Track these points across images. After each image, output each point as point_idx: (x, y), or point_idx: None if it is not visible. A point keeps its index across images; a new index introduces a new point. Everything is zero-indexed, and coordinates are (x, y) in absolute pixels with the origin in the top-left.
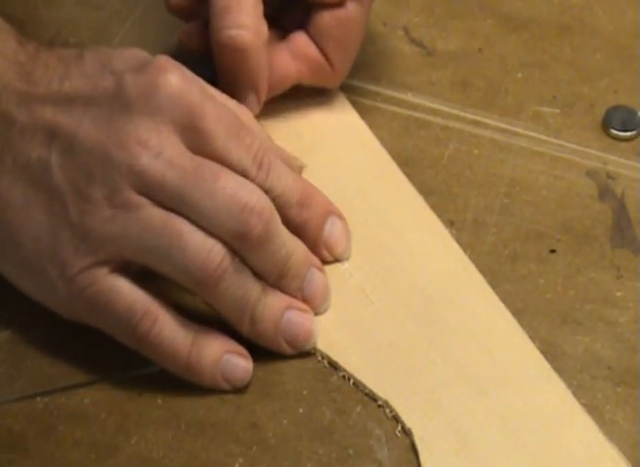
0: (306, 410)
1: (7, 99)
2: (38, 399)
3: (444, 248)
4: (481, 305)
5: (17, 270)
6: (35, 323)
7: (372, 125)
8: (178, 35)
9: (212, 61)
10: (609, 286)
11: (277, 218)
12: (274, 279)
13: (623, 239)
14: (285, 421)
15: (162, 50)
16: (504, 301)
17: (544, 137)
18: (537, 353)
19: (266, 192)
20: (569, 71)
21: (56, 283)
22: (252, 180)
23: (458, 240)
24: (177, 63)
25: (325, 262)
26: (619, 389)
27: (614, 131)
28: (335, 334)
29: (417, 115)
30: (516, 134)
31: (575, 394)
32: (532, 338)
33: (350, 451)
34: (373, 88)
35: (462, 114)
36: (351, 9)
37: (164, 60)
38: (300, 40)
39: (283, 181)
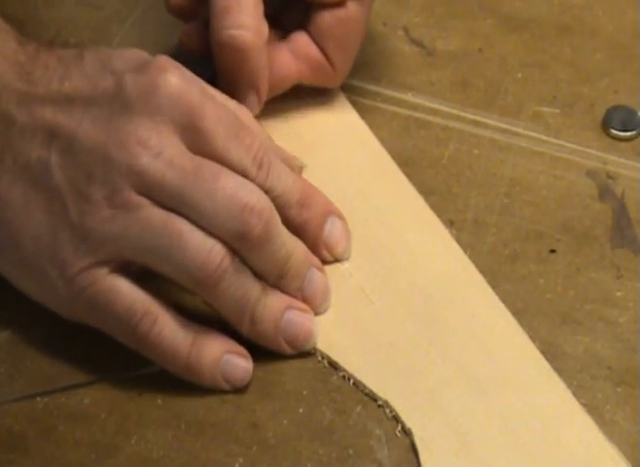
0: (306, 410)
1: (7, 99)
2: (38, 399)
3: (444, 248)
4: (481, 305)
5: (17, 270)
6: (35, 323)
7: (372, 126)
8: (178, 35)
9: (212, 61)
10: (609, 286)
11: (277, 218)
12: (274, 279)
13: (623, 239)
14: (285, 421)
15: (162, 50)
16: (504, 301)
17: (544, 137)
18: (537, 353)
19: (266, 192)
20: (569, 71)
21: (56, 283)
22: (252, 180)
23: (458, 240)
24: (177, 63)
25: (325, 262)
26: (619, 389)
27: (614, 131)
28: (335, 334)
29: (417, 115)
30: (516, 134)
31: (575, 394)
32: (532, 338)
33: (350, 451)
34: (373, 88)
35: (462, 114)
36: (351, 8)
37: (164, 60)
38: (300, 40)
39: (283, 181)
